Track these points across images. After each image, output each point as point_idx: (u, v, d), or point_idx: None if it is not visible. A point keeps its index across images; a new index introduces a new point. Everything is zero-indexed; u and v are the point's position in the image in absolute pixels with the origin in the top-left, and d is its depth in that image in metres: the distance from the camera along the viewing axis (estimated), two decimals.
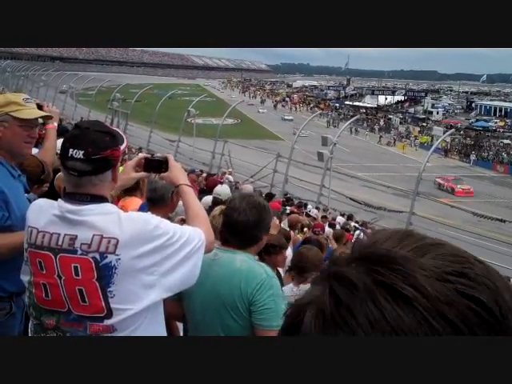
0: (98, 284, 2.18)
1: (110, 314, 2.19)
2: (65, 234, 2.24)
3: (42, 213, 2.36)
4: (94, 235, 2.19)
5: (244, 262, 2.86)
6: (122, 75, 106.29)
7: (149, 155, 2.97)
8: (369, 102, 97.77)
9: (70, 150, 2.27)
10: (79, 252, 2.20)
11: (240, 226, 2.98)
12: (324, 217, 16.07)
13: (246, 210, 3.01)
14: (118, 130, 2.73)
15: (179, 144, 33.40)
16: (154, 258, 2.22)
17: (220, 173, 23.19)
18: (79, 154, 2.25)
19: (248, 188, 8.77)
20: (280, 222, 7.90)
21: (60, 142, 2.67)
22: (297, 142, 27.80)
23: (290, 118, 76.20)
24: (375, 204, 25.63)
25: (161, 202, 3.96)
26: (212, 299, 2.81)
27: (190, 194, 2.76)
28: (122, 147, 2.50)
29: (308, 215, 14.09)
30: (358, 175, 33.85)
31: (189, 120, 36.24)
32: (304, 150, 30.78)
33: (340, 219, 17.80)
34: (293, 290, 4.56)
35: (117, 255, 2.17)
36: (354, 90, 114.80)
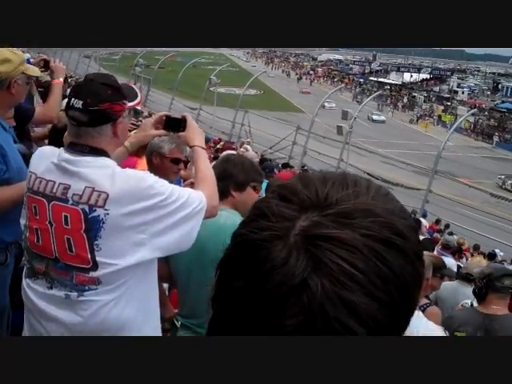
0: (85, 236, 2.19)
1: (95, 267, 2.19)
2: (59, 183, 2.25)
3: (43, 159, 2.38)
4: (86, 187, 2.20)
5: (228, 218, 2.90)
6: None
7: (169, 113, 2.93)
8: (394, 78, 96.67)
9: (72, 99, 2.30)
10: (70, 202, 2.21)
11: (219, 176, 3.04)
12: None
13: (217, 164, 3.21)
14: (133, 86, 2.71)
15: (200, 112, 33.40)
16: (144, 217, 2.20)
17: (239, 142, 23.16)
18: (79, 103, 2.28)
19: (251, 154, 8.80)
20: None
21: None
22: (318, 116, 27.63)
23: (272, 75, 73.74)
24: (393, 180, 25.48)
25: (148, 163, 3.97)
26: (199, 257, 2.82)
27: (201, 156, 2.71)
28: (131, 104, 2.48)
29: None
30: (378, 151, 33.63)
31: (211, 89, 36.14)
32: (326, 123, 30.56)
33: None
34: None
35: (106, 210, 2.16)
36: (379, 65, 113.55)
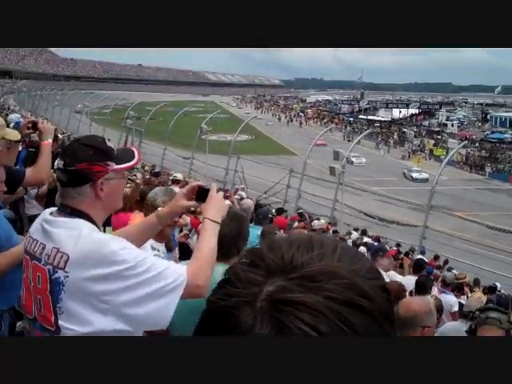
0: (50, 297, 2.17)
1: (58, 331, 2.15)
2: (40, 242, 2.28)
3: (37, 223, 2.41)
4: (53, 247, 2.19)
5: (221, 272, 2.83)
6: (137, 93, 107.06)
7: (201, 183, 2.80)
8: (383, 115, 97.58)
9: (57, 159, 2.35)
10: (42, 261, 2.22)
11: (222, 237, 2.91)
12: (335, 231, 15.94)
13: (227, 221, 3.02)
14: (133, 149, 2.68)
15: (193, 161, 33.54)
16: (107, 284, 2.10)
17: (233, 189, 23.21)
18: (61, 163, 2.31)
19: (247, 203, 8.80)
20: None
21: None
22: (310, 157, 27.80)
23: (271, 123, 72.95)
24: (389, 218, 25.51)
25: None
26: (194, 313, 2.75)
27: (208, 230, 2.53)
28: (125, 165, 2.44)
29: (313, 230, 13.98)
30: (372, 189, 33.74)
31: (203, 137, 36.36)
32: (319, 164, 30.73)
33: (355, 234, 17.74)
34: None
35: (66, 272, 2.13)
36: (367, 103, 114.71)
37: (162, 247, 4.05)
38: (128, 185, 5.46)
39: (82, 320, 2.11)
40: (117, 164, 2.38)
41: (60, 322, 2.14)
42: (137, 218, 5.15)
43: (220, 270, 2.76)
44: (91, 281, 2.10)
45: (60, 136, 27.11)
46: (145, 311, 2.14)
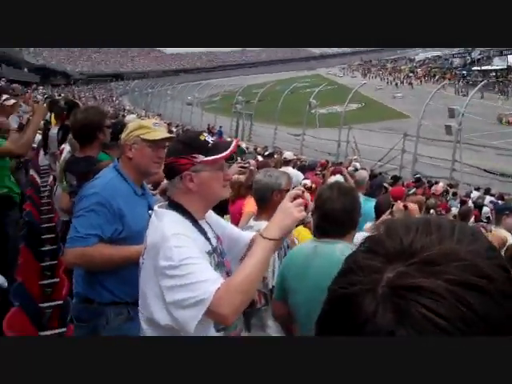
0: None
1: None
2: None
3: None
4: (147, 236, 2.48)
5: (344, 251, 2.80)
6: (243, 77, 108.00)
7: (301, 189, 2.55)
8: (498, 64, 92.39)
9: None
10: None
11: (335, 213, 3.04)
12: (455, 193, 15.37)
13: (339, 196, 3.09)
14: (230, 139, 2.82)
15: (304, 137, 33.53)
16: (157, 277, 2.28)
17: (347, 161, 22.97)
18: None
19: (362, 174, 8.62)
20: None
21: None
22: (424, 118, 26.97)
23: (400, 95, 68.60)
24: None
25: (261, 201, 4.10)
26: (316, 292, 2.78)
27: (259, 250, 2.26)
28: (206, 158, 2.55)
29: (434, 194, 13.47)
30: (493, 143, 32.23)
31: (312, 111, 36.21)
32: (434, 124, 29.70)
33: (475, 194, 17.02)
34: None
35: (143, 258, 2.44)
36: (479, 53, 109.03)
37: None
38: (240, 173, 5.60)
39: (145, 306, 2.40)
40: (207, 156, 2.48)
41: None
42: (250, 203, 5.27)
43: (339, 247, 2.83)
44: (154, 269, 2.30)
45: (174, 129, 28.04)
46: (165, 314, 2.25)
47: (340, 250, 2.82)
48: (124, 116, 26.05)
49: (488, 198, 16.00)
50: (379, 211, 5.63)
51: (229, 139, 27.09)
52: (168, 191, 2.59)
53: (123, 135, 3.44)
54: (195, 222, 2.47)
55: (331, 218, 3.05)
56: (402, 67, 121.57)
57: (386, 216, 5.34)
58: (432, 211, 9.26)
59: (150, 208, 3.51)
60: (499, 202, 14.44)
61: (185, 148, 2.49)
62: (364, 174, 8.65)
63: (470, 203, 13.45)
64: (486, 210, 12.07)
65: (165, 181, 6.46)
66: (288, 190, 4.08)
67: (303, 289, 2.95)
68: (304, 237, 7.07)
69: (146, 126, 3.46)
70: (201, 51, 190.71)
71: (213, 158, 2.48)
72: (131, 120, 11.23)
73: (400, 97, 66.43)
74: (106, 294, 3.30)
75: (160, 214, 2.45)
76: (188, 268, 2.16)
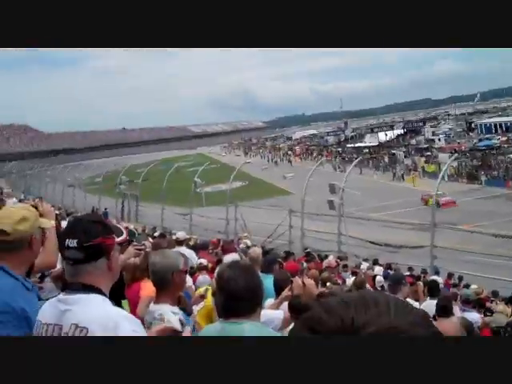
0: None
1: None
2: (54, 324, 2.35)
3: (47, 307, 2.50)
4: (71, 324, 2.28)
5: (252, 331, 2.84)
6: (125, 157, 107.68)
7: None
8: (370, 140, 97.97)
9: (67, 240, 2.43)
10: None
11: (243, 291, 2.99)
12: (345, 266, 15.85)
13: (239, 275, 3.06)
14: (118, 225, 2.82)
15: (192, 216, 33.54)
16: None
17: (236, 238, 23.14)
18: (73, 242, 2.41)
19: (256, 251, 8.68)
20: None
21: None
22: (308, 194, 27.85)
23: (291, 175, 66.70)
24: (396, 243, 25.45)
25: (161, 284, 3.97)
26: None
27: None
28: (119, 238, 2.57)
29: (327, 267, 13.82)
30: (374, 216, 33.70)
31: (198, 190, 36.47)
32: (316, 199, 30.71)
33: (364, 265, 17.63)
34: None
35: None
36: (352, 131, 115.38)
37: (179, 311, 4.02)
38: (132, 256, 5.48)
39: None
40: (117, 237, 2.55)
41: None
42: (146, 286, 5.16)
43: (246, 327, 2.78)
44: None
45: (57, 211, 27.12)
46: None
47: (248, 330, 2.83)
48: (2, 200, 25.03)
49: (377, 268, 16.58)
50: (278, 287, 5.69)
51: (114, 221, 26.63)
52: (78, 276, 2.43)
53: (24, 227, 3.11)
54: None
55: (237, 297, 3.00)
56: (281, 145, 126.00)
57: (286, 292, 5.40)
58: (328, 284, 9.46)
59: (40, 299, 3.32)
60: (389, 271, 14.99)
61: (105, 229, 2.49)
62: (258, 251, 8.71)
63: (362, 274, 13.91)
64: (379, 278, 12.57)
65: (58, 266, 6.18)
66: (186, 271, 4.18)
67: None
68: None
69: (38, 215, 3.32)
70: (80, 131, 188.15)
71: (121, 238, 2.51)
72: (12, 204, 10.76)
73: (290, 177, 65.35)
74: None
75: (84, 299, 2.36)
76: None
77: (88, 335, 2.22)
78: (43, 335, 2.35)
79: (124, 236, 2.48)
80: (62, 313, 2.34)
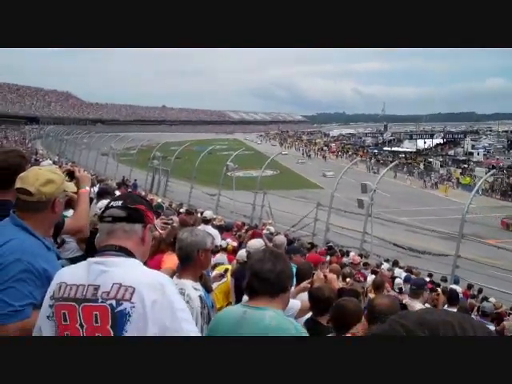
0: (111, 331, 2.26)
1: None
2: (88, 285, 2.34)
3: (72, 269, 2.52)
4: (113, 283, 2.30)
5: (273, 318, 2.87)
6: (161, 134, 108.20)
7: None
8: (407, 146, 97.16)
9: (112, 202, 2.56)
10: (100, 300, 2.30)
11: (268, 273, 3.04)
12: (366, 264, 15.78)
13: (271, 258, 3.11)
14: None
15: (220, 198, 33.70)
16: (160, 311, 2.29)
17: (261, 224, 23.16)
18: (118, 203, 2.53)
19: (280, 239, 8.65)
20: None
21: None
22: (337, 190, 27.74)
23: (331, 173, 61.12)
24: (420, 248, 25.22)
25: (186, 260, 4.04)
26: None
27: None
28: (156, 220, 2.67)
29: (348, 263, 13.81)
30: (401, 220, 33.41)
31: (229, 174, 36.55)
32: (345, 197, 30.60)
33: (385, 266, 17.51)
34: None
35: (132, 303, 2.25)
36: (391, 135, 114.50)
37: (201, 287, 4.03)
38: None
39: None
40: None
41: None
42: (169, 259, 5.18)
43: (268, 314, 2.81)
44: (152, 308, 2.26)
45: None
46: None
47: (269, 317, 2.87)
48: (37, 160, 25.43)
49: (398, 270, 16.41)
50: (300, 277, 5.66)
51: (143, 193, 26.85)
52: (113, 236, 2.49)
53: (49, 189, 3.14)
54: None
55: (262, 277, 3.05)
56: (317, 140, 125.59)
57: (306, 284, 5.37)
58: (348, 279, 9.37)
59: (59, 258, 3.37)
60: (411, 275, 14.83)
61: (149, 204, 2.66)
62: (283, 239, 8.72)
63: (381, 274, 13.80)
64: (398, 281, 12.42)
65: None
66: (212, 250, 4.28)
67: None
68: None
69: (64, 179, 3.34)
70: (121, 104, 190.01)
71: (156, 221, 2.63)
72: (47, 166, 10.92)
73: (331, 176, 62.20)
74: None
75: (124, 262, 2.42)
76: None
77: (134, 295, 2.25)
78: (75, 295, 2.35)
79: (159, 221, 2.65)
80: (99, 273, 2.35)
